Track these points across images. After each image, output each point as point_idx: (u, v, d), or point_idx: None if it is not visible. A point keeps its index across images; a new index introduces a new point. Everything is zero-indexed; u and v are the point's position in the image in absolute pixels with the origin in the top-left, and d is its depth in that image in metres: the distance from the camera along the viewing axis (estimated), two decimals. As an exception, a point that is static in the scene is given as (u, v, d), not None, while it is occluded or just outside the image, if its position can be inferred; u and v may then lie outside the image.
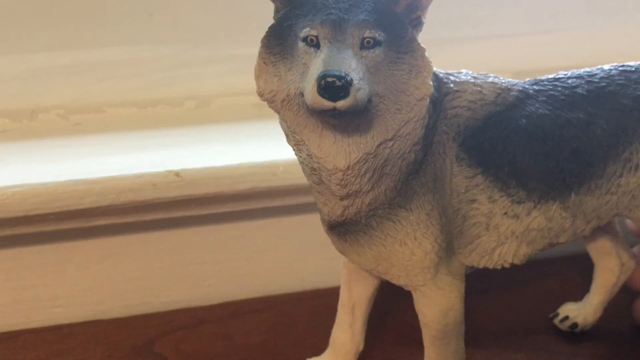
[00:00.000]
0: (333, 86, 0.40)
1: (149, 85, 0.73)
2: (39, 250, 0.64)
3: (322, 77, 0.41)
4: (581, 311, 0.61)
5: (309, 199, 0.62)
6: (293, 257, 0.70)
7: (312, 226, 0.64)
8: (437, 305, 0.50)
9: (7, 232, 0.61)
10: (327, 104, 0.41)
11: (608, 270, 0.60)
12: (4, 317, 0.65)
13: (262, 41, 0.45)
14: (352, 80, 0.41)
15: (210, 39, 0.74)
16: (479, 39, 0.79)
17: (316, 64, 0.42)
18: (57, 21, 0.69)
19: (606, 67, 0.52)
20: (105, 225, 0.63)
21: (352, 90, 0.41)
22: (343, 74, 0.41)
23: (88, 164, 0.62)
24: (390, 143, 0.45)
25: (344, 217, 0.48)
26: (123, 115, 0.72)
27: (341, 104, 0.41)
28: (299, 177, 0.59)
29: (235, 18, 0.73)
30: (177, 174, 0.61)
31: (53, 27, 0.70)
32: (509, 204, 0.49)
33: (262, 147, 0.65)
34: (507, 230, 0.50)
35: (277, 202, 0.66)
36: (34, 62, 0.70)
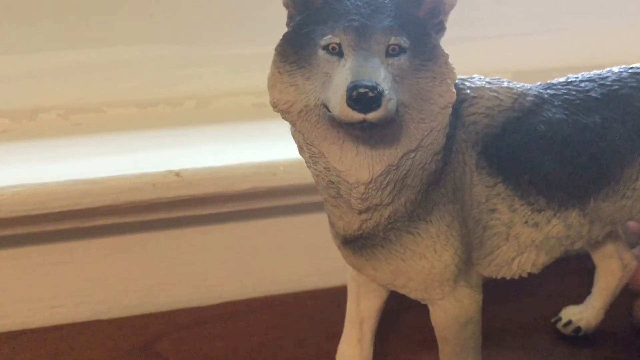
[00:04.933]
0: (365, 97, 0.38)
1: (149, 85, 0.73)
2: (39, 250, 0.64)
3: (353, 87, 0.39)
4: (584, 314, 0.61)
5: (309, 199, 0.62)
6: (293, 257, 0.70)
7: (312, 226, 0.64)
8: (456, 319, 0.48)
9: (7, 232, 0.61)
10: (358, 115, 0.39)
11: (610, 273, 0.60)
12: (4, 317, 0.65)
13: (276, 49, 0.43)
14: (383, 90, 0.39)
15: (210, 39, 0.73)
16: (479, 39, 0.79)
17: (342, 74, 0.40)
18: (57, 21, 0.69)
19: (615, 69, 0.52)
20: (105, 225, 0.63)
21: (384, 101, 0.39)
22: (375, 84, 0.39)
23: (88, 164, 0.62)
24: (413, 154, 0.44)
25: (361, 232, 0.46)
26: (123, 115, 0.72)
27: (372, 115, 0.39)
28: (299, 177, 0.60)
29: (235, 18, 0.73)
30: (177, 174, 0.61)
31: (53, 27, 0.69)
32: (529, 213, 0.48)
33: (262, 147, 0.65)
34: (527, 240, 0.49)
35: (277, 202, 0.66)
36: (34, 62, 0.70)
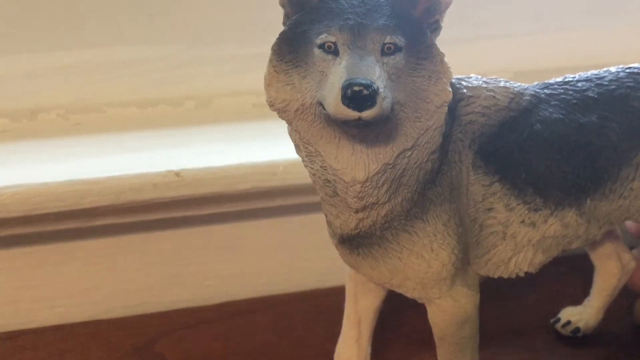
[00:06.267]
0: (360, 95, 0.39)
1: (149, 85, 0.73)
2: (39, 250, 0.65)
3: (348, 85, 0.39)
4: (583, 315, 0.61)
5: (309, 199, 0.62)
6: (293, 257, 0.70)
7: (312, 226, 0.64)
8: (454, 318, 0.48)
9: (7, 232, 0.61)
10: (352, 114, 0.39)
11: (609, 273, 0.60)
12: (4, 317, 0.65)
13: (272, 48, 0.43)
14: (378, 88, 0.39)
15: (210, 39, 0.74)
16: (479, 39, 0.79)
17: (338, 72, 0.40)
18: (57, 21, 0.69)
19: (613, 69, 0.52)
20: (105, 225, 0.63)
21: (379, 99, 0.39)
22: (370, 82, 0.39)
23: (88, 164, 0.62)
24: (409, 153, 0.44)
25: (358, 230, 0.46)
26: (123, 115, 0.72)
27: (367, 113, 0.39)
28: (299, 177, 0.60)
29: (235, 18, 0.73)
30: (177, 174, 0.61)
31: (53, 27, 0.70)
32: (526, 212, 0.48)
33: (262, 147, 0.65)
34: (524, 239, 0.49)
35: (277, 202, 0.66)
36: (34, 62, 0.70)
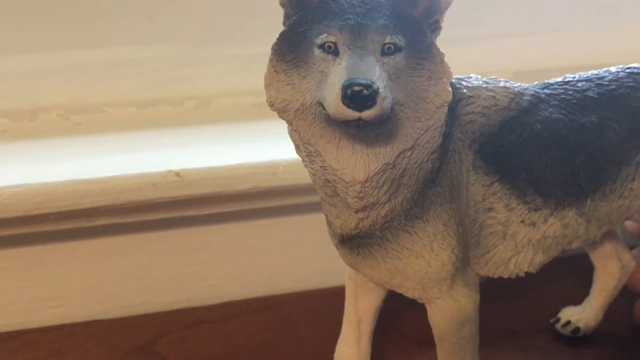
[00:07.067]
0: (360, 95, 0.39)
1: (149, 85, 0.73)
2: (39, 250, 0.65)
3: (348, 86, 0.39)
4: (582, 315, 0.61)
5: (309, 199, 0.62)
6: (293, 257, 0.70)
7: (312, 226, 0.64)
8: (453, 318, 0.48)
9: (7, 232, 0.61)
10: (353, 114, 0.39)
11: (609, 273, 0.60)
12: (4, 317, 0.65)
13: (272, 48, 0.43)
14: (378, 88, 0.39)
15: (210, 39, 0.74)
16: (479, 39, 0.79)
17: (338, 72, 0.41)
18: (57, 21, 0.69)
19: (613, 69, 0.52)
20: (105, 225, 0.63)
21: (379, 100, 0.39)
22: (370, 82, 0.39)
23: (88, 164, 0.62)
24: (409, 153, 0.44)
25: (358, 230, 0.46)
26: (123, 115, 0.72)
27: (367, 114, 0.39)
28: (299, 177, 0.60)
29: (235, 18, 0.73)
30: (177, 174, 0.61)
31: (53, 27, 0.70)
32: (526, 212, 0.48)
33: (262, 147, 0.65)
34: (524, 239, 0.49)
35: (277, 202, 0.66)
36: (34, 62, 0.70)
